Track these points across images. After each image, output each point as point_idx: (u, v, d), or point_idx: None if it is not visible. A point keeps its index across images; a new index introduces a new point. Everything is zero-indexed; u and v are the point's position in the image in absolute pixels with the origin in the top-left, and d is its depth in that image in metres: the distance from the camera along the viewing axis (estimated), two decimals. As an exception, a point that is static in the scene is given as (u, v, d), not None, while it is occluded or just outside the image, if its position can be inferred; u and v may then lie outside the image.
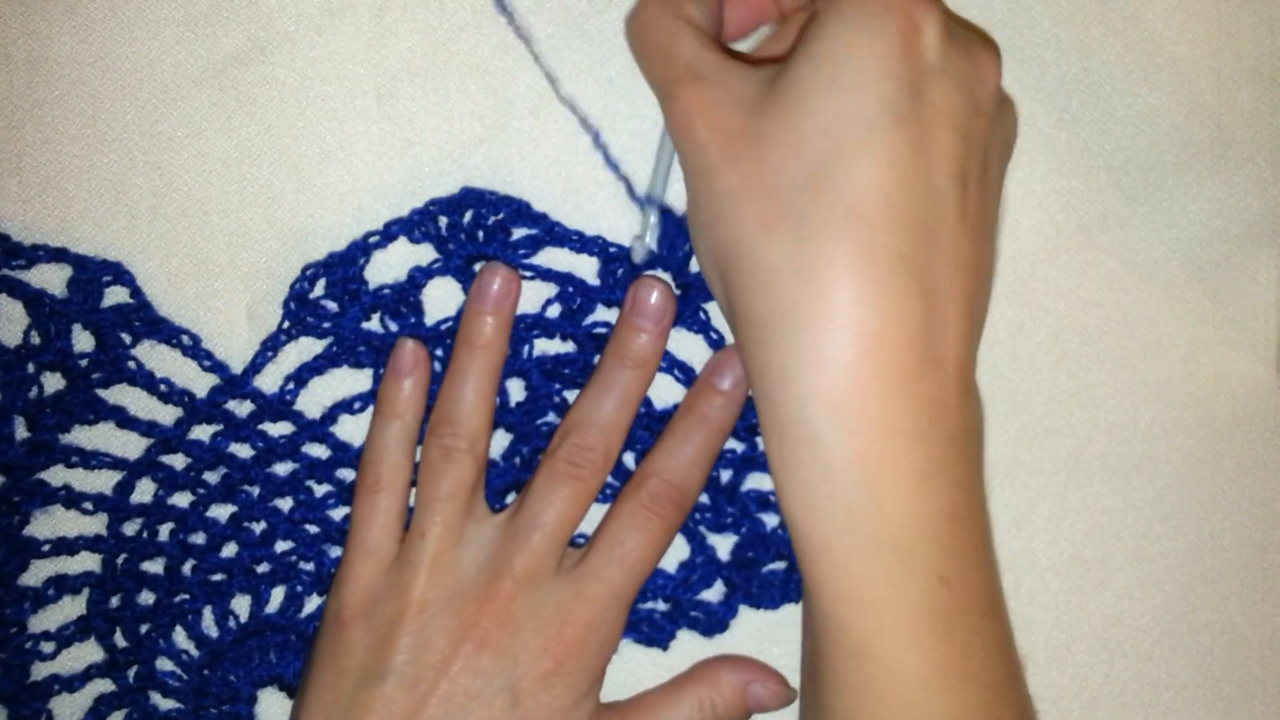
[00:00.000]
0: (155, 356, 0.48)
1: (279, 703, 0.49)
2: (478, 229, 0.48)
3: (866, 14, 0.37)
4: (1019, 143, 0.50)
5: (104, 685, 0.48)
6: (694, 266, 0.48)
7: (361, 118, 0.49)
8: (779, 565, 0.49)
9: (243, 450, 0.48)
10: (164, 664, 0.48)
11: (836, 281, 0.36)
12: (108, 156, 0.48)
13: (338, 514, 0.49)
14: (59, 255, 0.48)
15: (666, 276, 0.48)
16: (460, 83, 0.49)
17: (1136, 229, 0.51)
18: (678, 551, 0.49)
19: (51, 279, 0.48)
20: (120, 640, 0.48)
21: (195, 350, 0.48)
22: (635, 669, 0.50)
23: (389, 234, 0.48)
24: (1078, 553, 0.52)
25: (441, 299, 0.48)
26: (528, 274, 0.48)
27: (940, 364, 0.38)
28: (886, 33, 0.37)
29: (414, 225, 0.48)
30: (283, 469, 0.48)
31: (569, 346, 0.48)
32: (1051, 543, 0.52)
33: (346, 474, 0.48)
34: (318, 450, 0.49)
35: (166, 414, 0.48)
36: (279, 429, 0.48)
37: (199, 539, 0.48)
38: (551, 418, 0.48)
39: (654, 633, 0.48)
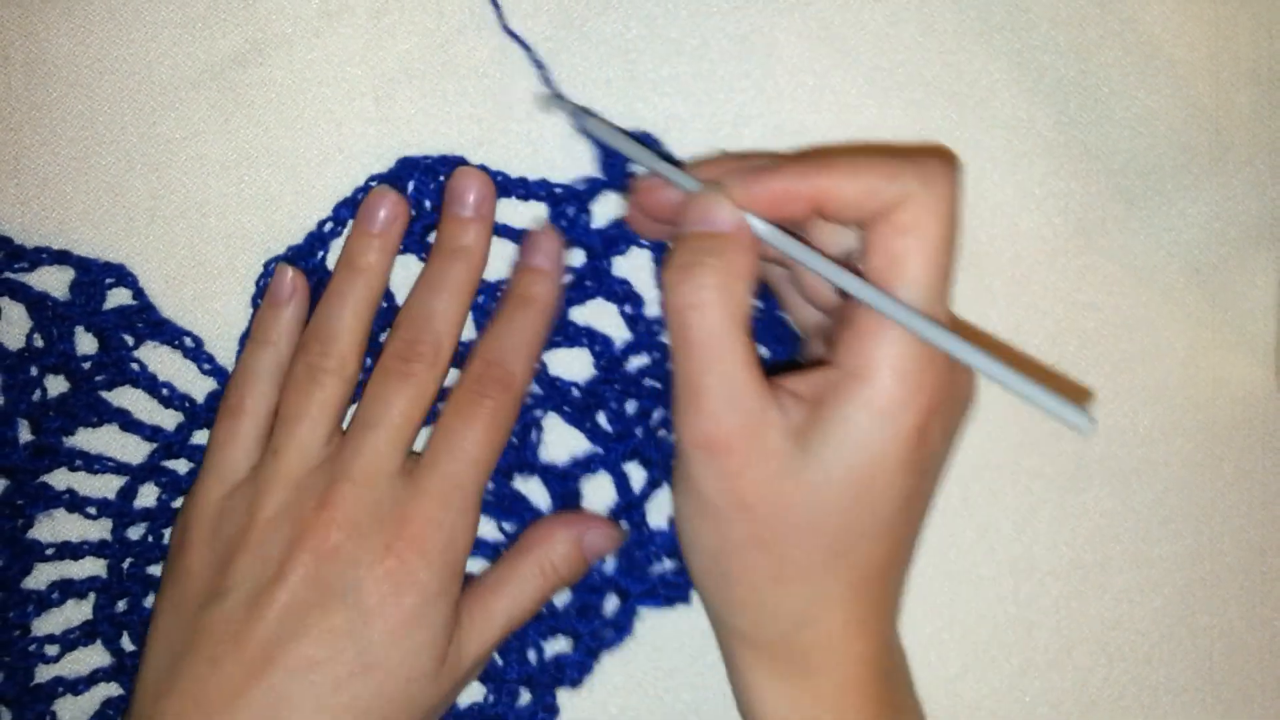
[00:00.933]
0: (157, 358, 0.48)
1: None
2: (423, 198, 0.48)
3: (887, 416, 0.39)
4: (1019, 145, 0.51)
5: (111, 689, 0.48)
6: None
7: (359, 120, 0.49)
8: None
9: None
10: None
11: (846, 635, 0.41)
12: (106, 158, 0.48)
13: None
14: (61, 258, 0.47)
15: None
16: (458, 85, 0.49)
17: (1135, 232, 0.52)
18: (666, 507, 0.49)
19: (54, 282, 0.48)
20: (127, 644, 0.48)
21: (197, 353, 0.48)
22: (635, 670, 0.50)
23: (339, 218, 0.48)
24: (1077, 556, 0.52)
25: (409, 279, 0.48)
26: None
27: (898, 666, 0.45)
28: (903, 434, 0.39)
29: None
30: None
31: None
32: (1051, 547, 0.52)
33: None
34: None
35: (168, 418, 0.48)
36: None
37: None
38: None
39: (670, 591, 0.48)
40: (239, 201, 0.48)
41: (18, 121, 0.48)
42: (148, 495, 0.48)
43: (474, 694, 0.48)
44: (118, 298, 0.48)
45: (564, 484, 0.48)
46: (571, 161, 0.49)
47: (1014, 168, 0.51)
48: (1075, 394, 0.51)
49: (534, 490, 0.49)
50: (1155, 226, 0.52)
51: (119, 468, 0.48)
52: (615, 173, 0.48)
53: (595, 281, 0.48)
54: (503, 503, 0.48)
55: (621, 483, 0.49)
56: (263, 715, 0.41)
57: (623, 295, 0.49)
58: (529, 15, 0.49)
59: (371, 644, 0.41)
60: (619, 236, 0.48)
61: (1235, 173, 0.52)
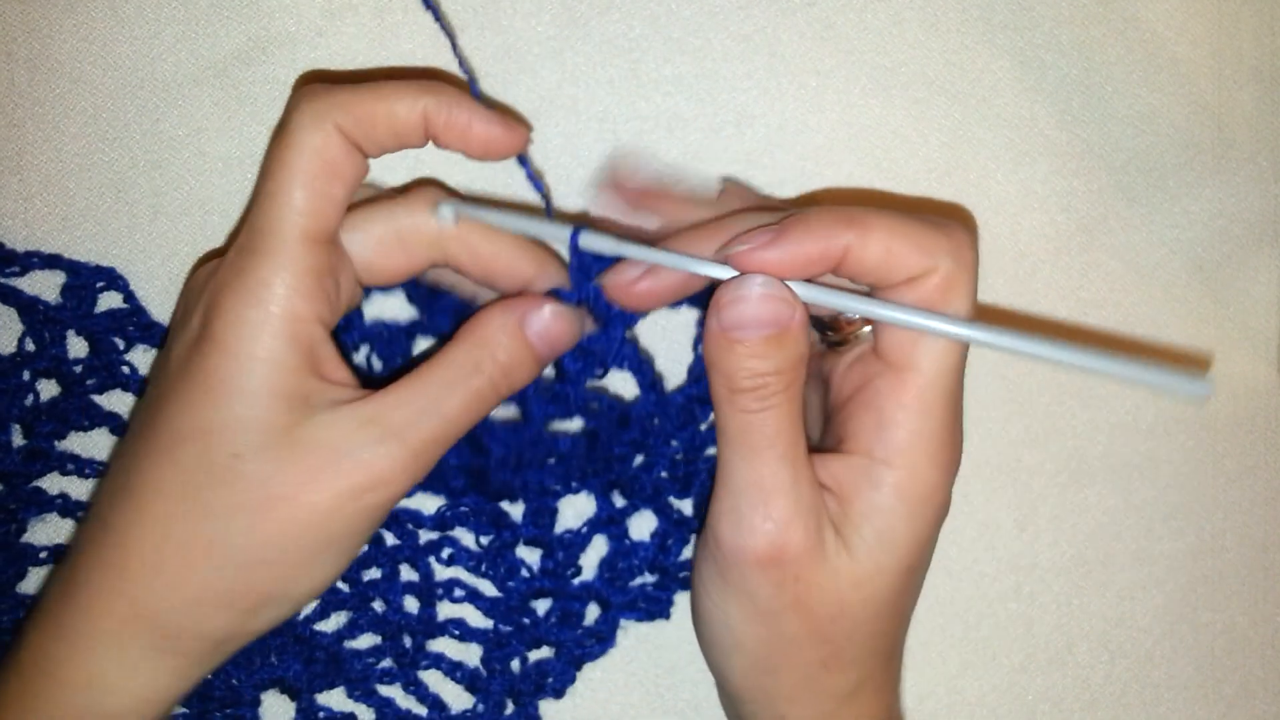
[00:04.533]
0: (148, 361, 0.48)
1: (281, 705, 0.49)
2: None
3: (924, 503, 0.40)
4: (1022, 143, 0.51)
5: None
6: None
7: (363, 118, 0.49)
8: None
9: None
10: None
11: (879, 701, 0.42)
12: (108, 155, 0.48)
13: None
14: (53, 262, 0.47)
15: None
16: (460, 85, 0.49)
17: (1137, 229, 0.52)
18: (649, 522, 0.48)
19: (44, 286, 0.48)
20: None
21: None
22: (636, 669, 0.50)
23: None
24: (1079, 553, 0.52)
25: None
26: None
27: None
28: (937, 516, 0.40)
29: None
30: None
31: None
32: (1053, 544, 0.52)
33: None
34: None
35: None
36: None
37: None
38: None
39: (652, 606, 0.48)
40: (241, 199, 0.48)
41: (21, 118, 0.48)
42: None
43: (462, 703, 0.49)
44: (109, 301, 0.48)
45: (541, 499, 0.48)
46: (572, 161, 0.49)
47: (1017, 166, 0.51)
48: (1180, 360, 0.52)
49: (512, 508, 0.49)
50: (1158, 224, 0.52)
51: None
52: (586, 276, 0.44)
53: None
54: (481, 517, 0.48)
55: (603, 499, 0.48)
56: None
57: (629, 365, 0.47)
58: (531, 14, 0.49)
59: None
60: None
61: (1238, 170, 0.52)
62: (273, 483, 0.38)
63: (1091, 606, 0.52)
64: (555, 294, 0.43)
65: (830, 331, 0.43)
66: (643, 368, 0.45)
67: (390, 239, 0.42)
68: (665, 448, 0.46)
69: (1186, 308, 0.52)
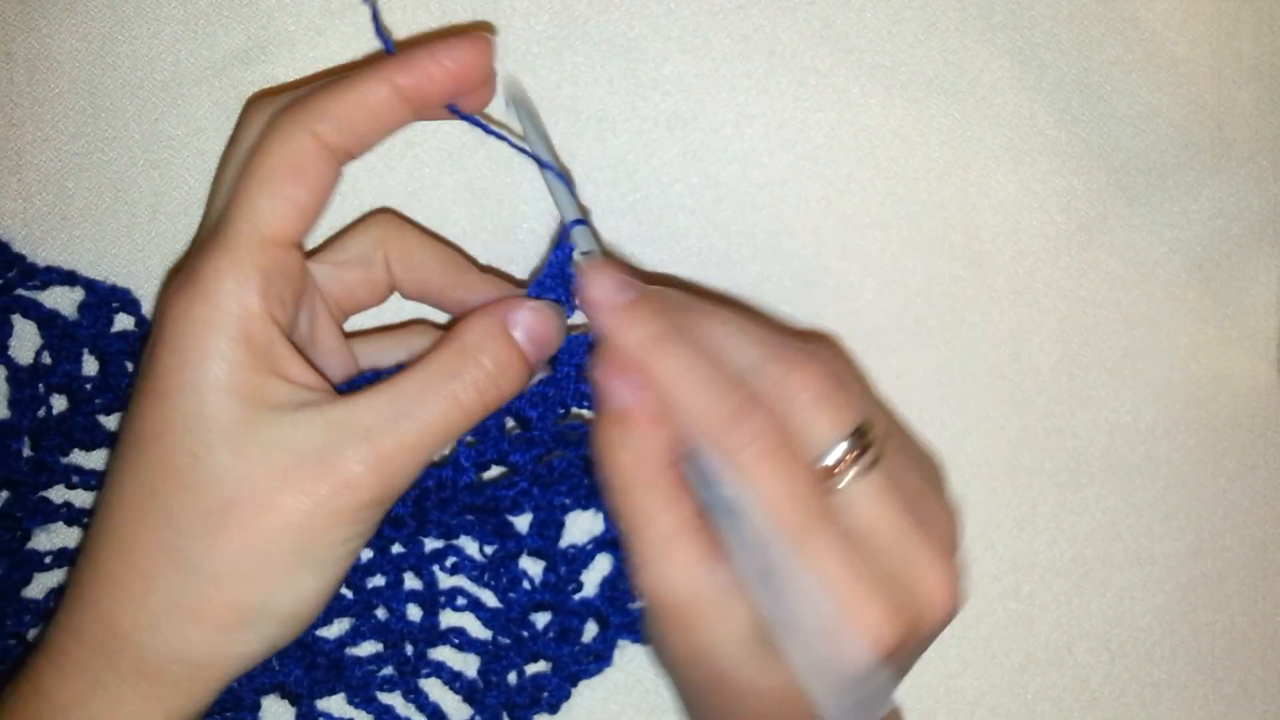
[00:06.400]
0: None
1: (282, 710, 0.49)
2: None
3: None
4: (1021, 142, 0.51)
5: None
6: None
7: (362, 117, 0.49)
8: None
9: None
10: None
11: None
12: (108, 155, 0.48)
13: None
14: (70, 279, 0.47)
15: None
16: (461, 83, 0.49)
17: (1137, 229, 0.52)
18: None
19: (60, 300, 0.48)
20: None
21: None
22: (636, 668, 0.50)
23: None
24: (1079, 553, 0.52)
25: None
26: None
27: None
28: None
29: None
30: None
31: None
32: (1052, 543, 0.52)
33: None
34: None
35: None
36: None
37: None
38: None
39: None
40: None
41: (20, 118, 0.48)
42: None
43: (460, 713, 0.49)
44: (122, 323, 0.48)
45: (549, 512, 0.47)
46: (571, 162, 0.49)
47: (1016, 165, 0.51)
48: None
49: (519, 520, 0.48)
50: (1157, 223, 0.52)
51: None
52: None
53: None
54: (486, 527, 0.48)
55: (609, 520, 0.48)
56: None
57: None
58: (530, 14, 0.49)
59: None
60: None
61: (1237, 169, 0.52)
62: (233, 485, 0.37)
63: (1091, 606, 0.52)
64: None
65: None
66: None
67: (340, 269, 0.43)
68: None
69: (1186, 307, 0.52)
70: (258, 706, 0.48)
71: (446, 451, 0.44)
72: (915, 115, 0.50)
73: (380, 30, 0.42)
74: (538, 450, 0.44)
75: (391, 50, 0.41)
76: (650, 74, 0.49)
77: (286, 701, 0.48)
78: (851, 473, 0.38)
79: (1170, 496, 0.52)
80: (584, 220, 0.42)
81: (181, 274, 0.38)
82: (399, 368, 0.40)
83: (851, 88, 0.50)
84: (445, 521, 0.46)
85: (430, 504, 0.45)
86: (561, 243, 0.42)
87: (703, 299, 0.41)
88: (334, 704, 0.49)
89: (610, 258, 0.42)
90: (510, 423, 0.45)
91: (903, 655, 0.38)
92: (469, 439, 0.43)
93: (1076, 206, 0.51)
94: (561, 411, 0.44)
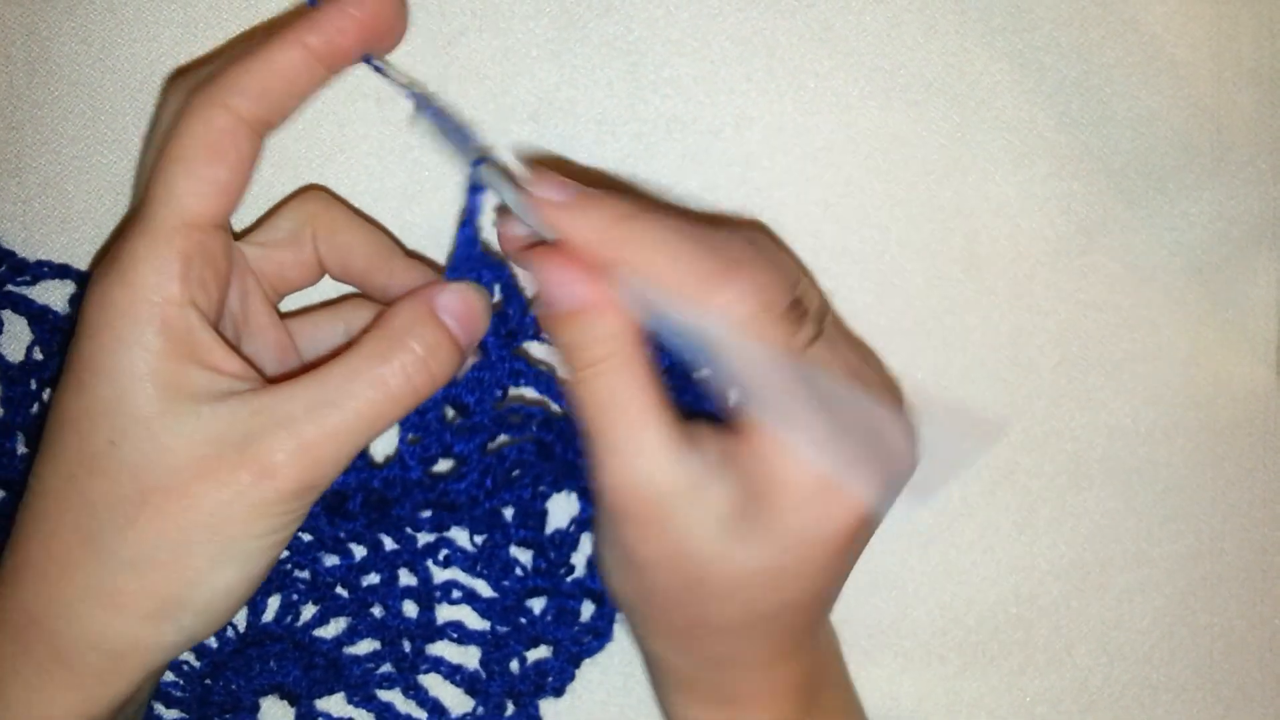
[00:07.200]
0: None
1: (282, 710, 0.49)
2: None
3: (832, 509, 0.38)
4: (1021, 145, 0.51)
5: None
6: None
7: (361, 121, 0.49)
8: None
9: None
10: (165, 674, 0.48)
11: (771, 669, 0.42)
12: (107, 157, 0.48)
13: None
14: (63, 272, 0.47)
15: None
16: (460, 87, 0.49)
17: (1137, 232, 0.51)
18: None
19: (54, 296, 0.48)
20: None
21: None
22: (636, 669, 0.50)
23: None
24: (1078, 556, 0.52)
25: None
26: None
27: (826, 676, 0.46)
28: (848, 525, 0.39)
29: None
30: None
31: None
32: (1052, 546, 0.52)
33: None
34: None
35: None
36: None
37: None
38: None
39: None
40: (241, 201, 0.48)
41: (20, 120, 0.48)
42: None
43: (462, 706, 0.49)
44: None
45: (532, 503, 0.48)
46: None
47: (1016, 168, 0.51)
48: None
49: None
50: (1157, 226, 0.52)
51: None
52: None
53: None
54: (476, 517, 0.47)
55: (584, 501, 0.48)
56: None
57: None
58: (530, 16, 0.49)
59: None
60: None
61: (1237, 172, 0.52)
62: (150, 473, 0.36)
63: (1090, 609, 0.52)
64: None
65: None
66: (544, 379, 0.45)
67: (270, 249, 0.43)
68: None
69: (1186, 310, 0.52)
70: (257, 707, 0.48)
71: (391, 452, 0.44)
72: (914, 118, 0.50)
73: None
74: (482, 437, 0.43)
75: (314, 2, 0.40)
76: (650, 77, 0.49)
77: (286, 702, 0.49)
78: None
79: (1170, 499, 0.52)
80: (485, 159, 0.41)
81: (104, 259, 0.38)
82: None
83: (850, 90, 0.50)
84: (405, 518, 0.45)
85: (379, 502, 0.44)
86: (467, 220, 0.41)
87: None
88: (333, 703, 0.49)
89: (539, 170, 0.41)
90: (451, 412, 0.44)
91: (880, 512, 0.39)
92: (411, 436, 0.43)
93: (1076, 209, 0.51)
94: (499, 394, 0.43)
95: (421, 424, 0.42)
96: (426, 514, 0.46)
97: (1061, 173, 0.51)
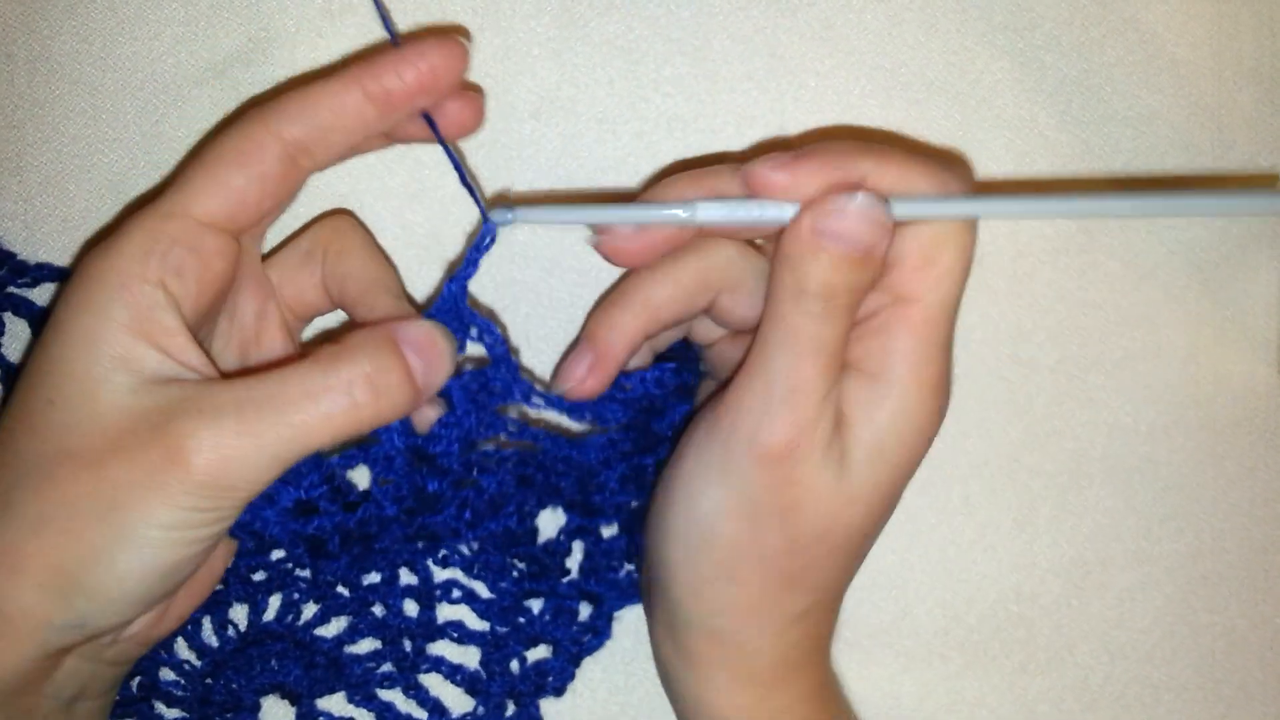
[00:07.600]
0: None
1: (282, 710, 0.49)
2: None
3: (923, 423, 0.41)
4: (1022, 144, 0.51)
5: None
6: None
7: (362, 119, 0.49)
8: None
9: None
10: (166, 674, 0.48)
11: (817, 650, 0.44)
12: (108, 156, 0.48)
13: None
14: (64, 275, 0.47)
15: None
16: (461, 85, 0.49)
17: (1137, 230, 0.52)
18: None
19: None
20: None
21: None
22: (636, 669, 0.50)
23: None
24: (1079, 554, 0.52)
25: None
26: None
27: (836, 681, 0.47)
28: (928, 440, 0.41)
29: None
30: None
31: None
32: (1052, 544, 0.52)
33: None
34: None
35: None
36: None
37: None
38: None
39: (638, 588, 0.48)
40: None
41: (21, 119, 0.48)
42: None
43: (463, 706, 0.49)
44: None
45: (522, 523, 0.47)
46: (572, 163, 0.49)
47: (1017, 166, 0.51)
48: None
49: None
50: (1157, 224, 0.52)
51: None
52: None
53: None
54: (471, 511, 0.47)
55: (570, 513, 0.48)
56: None
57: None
58: (531, 15, 0.49)
59: None
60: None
61: (1237, 171, 0.52)
62: (74, 437, 0.36)
63: (1091, 608, 0.52)
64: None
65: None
66: (519, 426, 0.45)
67: (292, 271, 0.44)
68: (606, 473, 0.46)
69: (1186, 308, 0.52)
70: (258, 706, 0.48)
71: (362, 489, 0.44)
72: (915, 116, 0.50)
73: (386, 20, 0.42)
74: (455, 475, 0.43)
75: (396, 41, 0.40)
76: (650, 75, 0.49)
77: (286, 701, 0.49)
78: None
79: (1170, 498, 0.52)
80: (498, 222, 0.41)
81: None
82: None
83: (851, 89, 0.50)
84: (390, 549, 0.45)
85: (361, 538, 0.44)
86: (458, 275, 0.42)
87: None
88: (334, 703, 0.49)
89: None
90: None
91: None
92: (382, 478, 0.42)
93: (1076, 208, 0.51)
94: (466, 446, 0.43)
95: (387, 466, 0.42)
96: (418, 546, 0.46)
97: (1062, 170, 0.51)
